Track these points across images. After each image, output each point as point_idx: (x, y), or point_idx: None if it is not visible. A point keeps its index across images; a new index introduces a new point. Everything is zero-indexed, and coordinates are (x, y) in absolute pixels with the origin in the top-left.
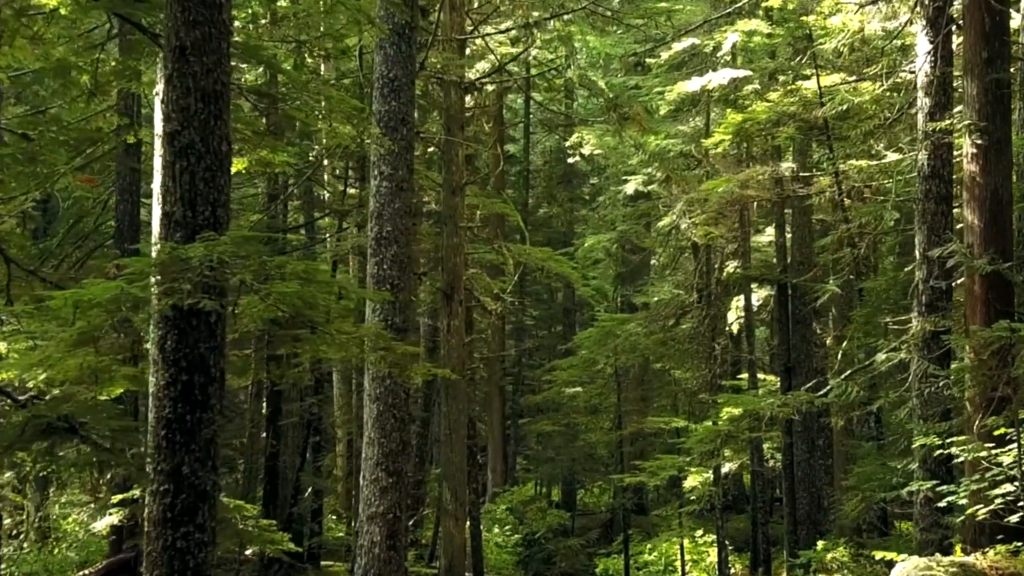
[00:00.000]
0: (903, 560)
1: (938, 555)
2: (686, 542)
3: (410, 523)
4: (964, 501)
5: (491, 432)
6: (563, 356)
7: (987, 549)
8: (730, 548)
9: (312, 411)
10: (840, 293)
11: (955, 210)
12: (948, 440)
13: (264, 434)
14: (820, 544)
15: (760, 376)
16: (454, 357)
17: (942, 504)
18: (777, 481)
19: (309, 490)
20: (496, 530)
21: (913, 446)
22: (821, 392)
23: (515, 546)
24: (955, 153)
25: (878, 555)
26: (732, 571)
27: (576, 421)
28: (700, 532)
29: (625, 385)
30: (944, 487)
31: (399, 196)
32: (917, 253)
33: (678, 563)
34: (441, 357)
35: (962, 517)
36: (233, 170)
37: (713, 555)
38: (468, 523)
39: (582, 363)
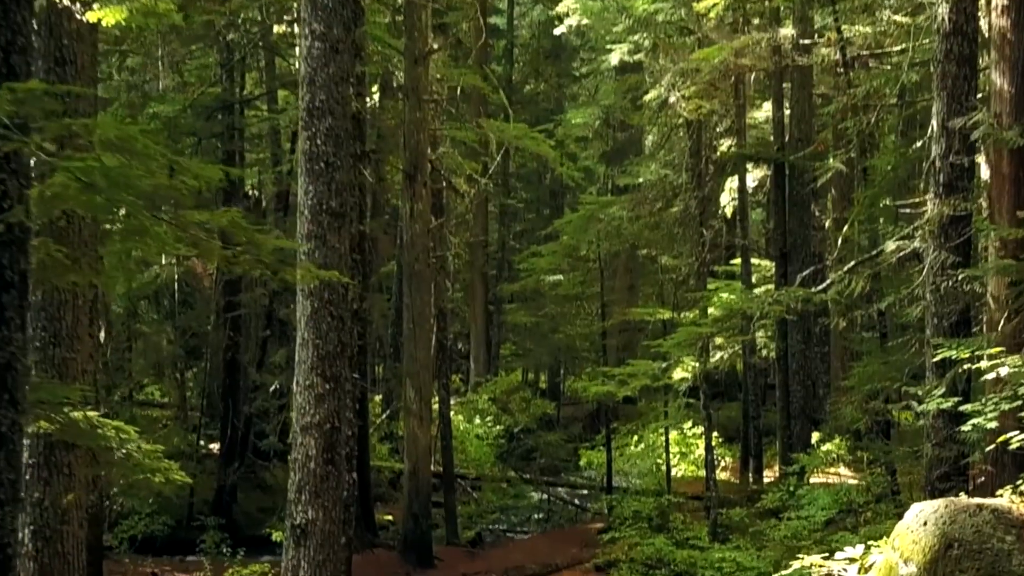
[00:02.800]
0: (919, 504)
1: (963, 496)
2: (675, 434)
3: (384, 415)
4: (993, 424)
5: (473, 320)
6: (546, 241)
7: (1019, 482)
8: (720, 440)
9: (263, 302)
10: (842, 171)
11: (981, 74)
12: (977, 352)
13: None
14: (815, 436)
15: (754, 261)
16: (418, 244)
17: (966, 428)
18: (771, 369)
19: (275, 385)
20: (477, 421)
21: (932, 359)
22: (819, 287)
23: (497, 438)
24: (981, 6)
25: None
26: (722, 464)
27: (556, 312)
28: (689, 424)
29: (611, 273)
30: (968, 406)
31: (334, 59)
32: (934, 124)
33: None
34: (404, 244)
35: (985, 442)
36: (110, 22)
37: (703, 447)
38: (439, 422)
39: (563, 249)
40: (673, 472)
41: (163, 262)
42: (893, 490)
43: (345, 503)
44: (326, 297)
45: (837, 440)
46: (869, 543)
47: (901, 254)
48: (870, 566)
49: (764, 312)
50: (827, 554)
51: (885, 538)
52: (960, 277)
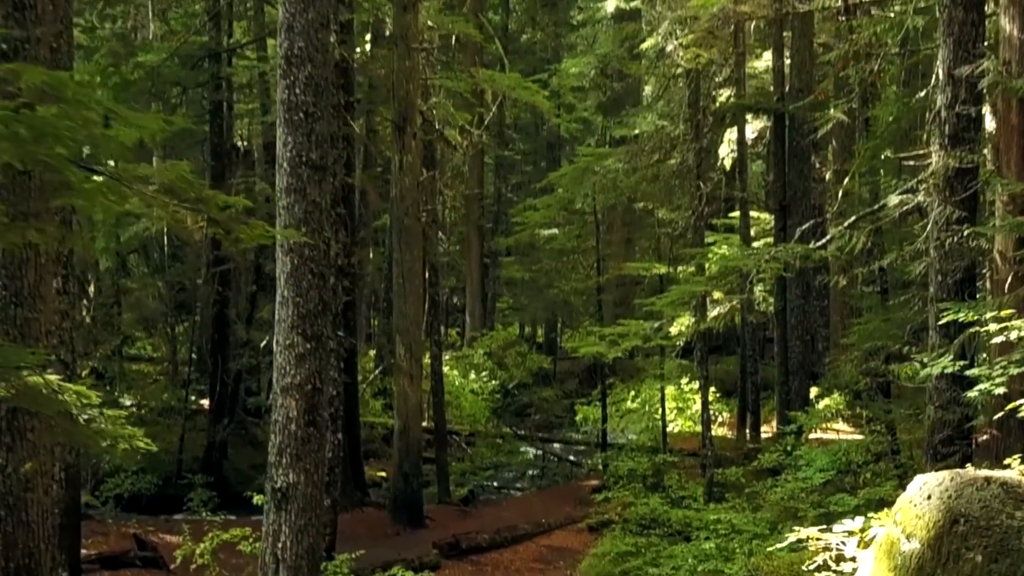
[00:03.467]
0: (923, 476)
1: (969, 467)
2: (672, 389)
3: (378, 371)
4: (1002, 390)
5: (469, 273)
6: (541, 195)
7: None
8: (718, 395)
9: (250, 256)
10: (843, 121)
11: (988, 20)
12: (985, 315)
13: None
14: (814, 391)
15: (753, 214)
16: (407, 197)
17: (973, 393)
18: (769, 323)
19: (264, 341)
20: (472, 376)
21: (938, 321)
22: (819, 243)
23: (492, 393)
24: None
25: None
26: (719, 420)
27: (550, 267)
28: (686, 379)
29: (607, 227)
30: (974, 370)
31: (313, 5)
32: (939, 72)
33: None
34: (394, 197)
35: (991, 406)
36: None
37: (700, 403)
38: (431, 379)
39: (558, 203)
40: (670, 428)
41: (155, 214)
42: (893, 449)
43: (330, 464)
44: (306, 254)
45: (836, 395)
46: (869, 516)
47: (904, 208)
48: (870, 540)
49: (761, 270)
50: (824, 526)
51: (887, 510)
52: (966, 233)
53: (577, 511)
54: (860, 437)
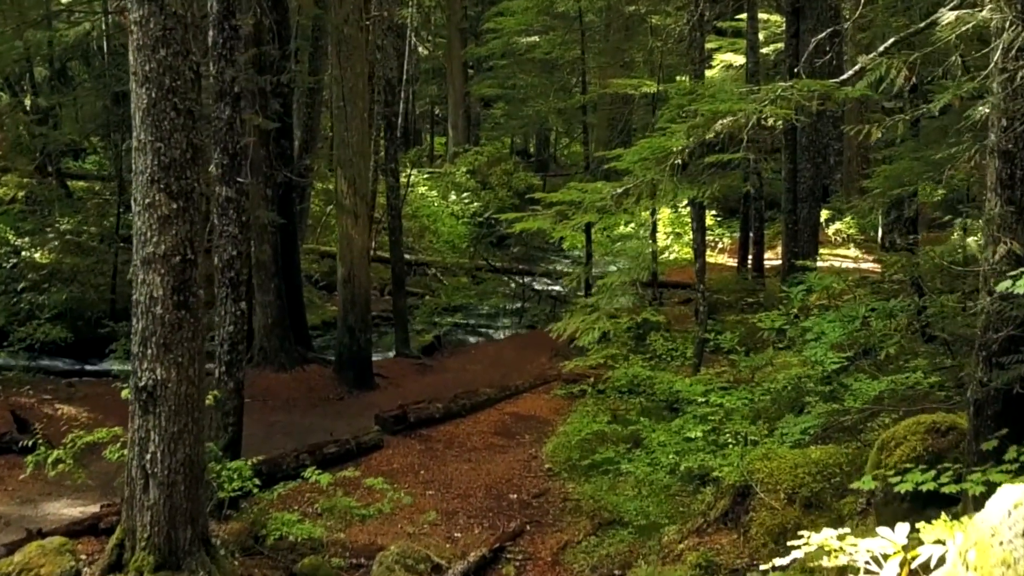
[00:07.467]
0: (1013, 487)
1: None
2: (669, 213)
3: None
4: None
5: (451, 82)
6: None
7: None
8: (719, 218)
9: None
10: None
11: None
12: None
13: None
14: (824, 214)
15: (763, 16)
16: (348, 2)
17: None
18: (777, 140)
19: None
20: (453, 196)
21: (1007, 200)
22: (844, 76)
23: (474, 216)
24: None
25: None
26: (719, 246)
27: (526, 82)
28: (685, 202)
29: (600, 33)
30: None
31: None
32: None
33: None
34: (331, 2)
35: None
36: None
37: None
38: (387, 215)
39: (536, 6)
40: (665, 255)
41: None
42: (919, 308)
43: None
44: (167, 84)
45: (848, 219)
46: (917, 527)
47: (963, 28)
48: (919, 568)
49: (763, 116)
50: (845, 532)
51: (944, 517)
52: None
53: (552, 365)
54: (876, 267)
